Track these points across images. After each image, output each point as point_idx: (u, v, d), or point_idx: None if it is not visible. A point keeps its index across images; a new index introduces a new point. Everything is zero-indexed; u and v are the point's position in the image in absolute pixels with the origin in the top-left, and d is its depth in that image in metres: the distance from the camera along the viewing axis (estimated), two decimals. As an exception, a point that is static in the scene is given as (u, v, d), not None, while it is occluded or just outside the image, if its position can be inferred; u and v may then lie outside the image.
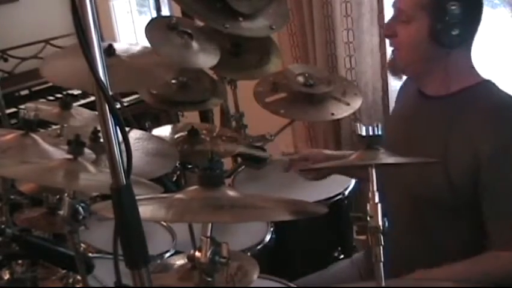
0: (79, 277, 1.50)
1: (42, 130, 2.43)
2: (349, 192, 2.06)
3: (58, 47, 3.49)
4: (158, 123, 2.80)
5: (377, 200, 1.06)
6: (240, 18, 2.00)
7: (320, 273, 1.90)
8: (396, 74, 1.71)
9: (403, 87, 1.81)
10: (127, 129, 1.13)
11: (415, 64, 1.60)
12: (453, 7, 1.48)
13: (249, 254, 1.74)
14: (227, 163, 2.26)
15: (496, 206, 1.46)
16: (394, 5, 1.61)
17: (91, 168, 1.26)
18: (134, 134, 1.76)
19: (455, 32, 1.49)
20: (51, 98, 3.33)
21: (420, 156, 1.41)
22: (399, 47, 1.61)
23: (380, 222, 1.05)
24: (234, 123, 2.28)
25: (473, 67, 1.59)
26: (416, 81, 1.66)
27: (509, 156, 1.44)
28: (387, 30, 1.64)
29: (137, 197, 0.89)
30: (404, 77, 1.75)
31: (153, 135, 1.93)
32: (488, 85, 1.57)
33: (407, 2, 1.56)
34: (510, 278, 1.42)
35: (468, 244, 1.54)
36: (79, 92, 3.28)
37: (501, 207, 1.46)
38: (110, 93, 0.86)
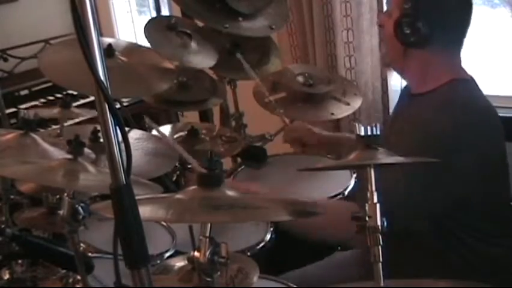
0: (78, 277, 1.50)
1: (42, 130, 2.43)
2: (349, 192, 2.06)
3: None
4: (158, 123, 2.80)
5: (375, 200, 1.06)
6: (240, 18, 2.01)
7: (320, 263, 1.91)
8: (386, 65, 1.75)
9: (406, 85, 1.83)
10: (127, 129, 1.13)
11: (394, 59, 1.64)
12: (414, 8, 1.50)
13: (248, 254, 1.74)
14: (227, 163, 2.26)
15: None
16: None
17: (91, 168, 1.26)
18: (134, 134, 1.76)
19: (415, 32, 1.51)
20: (51, 98, 3.33)
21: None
22: (384, 39, 1.66)
23: (379, 222, 1.05)
24: (233, 123, 2.28)
25: (451, 66, 1.59)
26: (402, 77, 1.69)
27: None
28: (378, 20, 1.70)
29: (137, 197, 0.89)
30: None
31: (153, 135, 1.94)
32: (454, 85, 1.56)
33: None
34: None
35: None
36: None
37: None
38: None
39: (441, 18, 1.53)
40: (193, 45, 1.89)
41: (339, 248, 2.06)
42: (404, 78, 1.68)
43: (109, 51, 1.60)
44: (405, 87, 1.82)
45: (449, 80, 1.56)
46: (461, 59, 1.62)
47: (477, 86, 1.62)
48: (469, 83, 1.59)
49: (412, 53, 1.56)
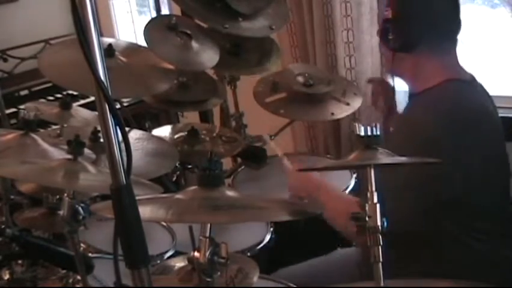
0: (78, 277, 1.50)
1: (42, 130, 2.43)
2: (349, 192, 2.06)
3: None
4: (158, 123, 2.80)
5: (375, 200, 1.06)
6: (240, 19, 2.00)
7: (320, 259, 1.91)
8: (386, 72, 1.77)
9: None
10: (127, 129, 1.13)
11: (387, 64, 1.66)
12: (399, 14, 1.54)
13: (248, 254, 1.74)
14: (227, 163, 2.26)
15: None
16: None
17: (91, 168, 1.26)
18: (134, 134, 1.76)
19: (398, 37, 1.53)
20: (51, 98, 3.33)
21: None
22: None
23: (379, 222, 1.05)
24: (233, 123, 2.28)
25: (444, 66, 1.59)
26: (401, 79, 1.70)
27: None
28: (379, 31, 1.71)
29: (137, 197, 0.89)
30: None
31: (153, 135, 1.94)
32: (447, 85, 1.56)
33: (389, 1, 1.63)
34: None
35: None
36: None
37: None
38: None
39: (425, 22, 1.55)
40: (194, 45, 1.89)
41: (339, 245, 2.06)
42: (403, 80, 1.69)
43: (109, 51, 1.61)
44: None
45: (443, 80, 1.56)
46: (457, 58, 1.62)
47: (476, 86, 1.62)
48: (465, 83, 1.59)
49: (401, 57, 1.58)
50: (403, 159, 1.19)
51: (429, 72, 1.57)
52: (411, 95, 1.66)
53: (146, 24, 1.86)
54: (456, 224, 1.52)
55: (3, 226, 1.55)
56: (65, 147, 1.29)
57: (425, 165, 1.35)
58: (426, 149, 1.42)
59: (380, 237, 1.05)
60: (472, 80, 1.62)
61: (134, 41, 3.90)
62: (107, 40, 1.72)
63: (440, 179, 1.44)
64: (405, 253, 1.48)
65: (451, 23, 1.58)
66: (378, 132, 1.13)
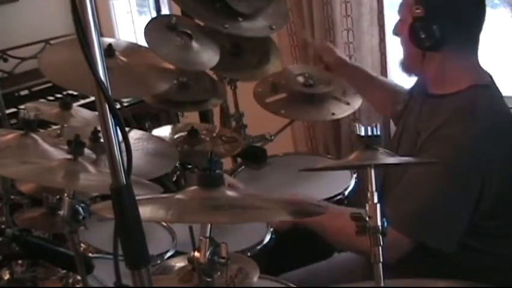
0: (79, 277, 1.50)
1: (42, 130, 2.43)
2: (349, 192, 2.06)
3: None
4: (159, 123, 2.80)
5: (376, 200, 1.06)
6: (240, 19, 2.00)
7: (320, 263, 1.91)
8: (405, 71, 1.76)
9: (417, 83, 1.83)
10: (127, 129, 1.13)
11: (412, 64, 1.64)
12: (427, 12, 1.53)
13: (248, 254, 1.74)
14: (227, 163, 2.26)
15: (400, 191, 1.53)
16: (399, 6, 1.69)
17: (91, 168, 1.26)
18: (134, 134, 1.76)
19: (430, 36, 1.52)
20: (51, 98, 3.33)
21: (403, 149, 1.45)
22: (401, 45, 1.67)
23: (379, 223, 1.05)
24: (234, 123, 2.28)
25: (470, 69, 1.59)
26: (420, 79, 1.69)
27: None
28: (393, 29, 1.71)
29: (137, 197, 0.89)
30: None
31: (153, 135, 1.94)
32: (474, 91, 1.56)
33: (401, 4, 1.64)
34: None
35: None
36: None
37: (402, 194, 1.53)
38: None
39: (454, 20, 1.54)
40: (194, 45, 1.89)
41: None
42: (423, 80, 1.68)
43: (109, 52, 1.60)
44: (416, 85, 1.81)
45: (469, 85, 1.56)
46: (478, 59, 1.62)
47: (497, 89, 1.62)
48: (489, 88, 1.59)
49: (430, 56, 1.57)
50: (405, 159, 1.19)
51: (456, 74, 1.57)
52: (430, 95, 1.65)
53: (146, 24, 1.86)
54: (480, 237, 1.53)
55: (3, 226, 1.55)
56: (65, 147, 1.29)
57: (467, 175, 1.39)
58: (468, 162, 1.45)
59: (380, 237, 1.05)
60: (492, 82, 1.62)
61: (134, 41, 3.92)
62: (107, 40, 1.72)
63: (480, 188, 1.47)
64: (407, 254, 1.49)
65: (475, 24, 1.58)
66: (379, 132, 1.13)
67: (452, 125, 1.51)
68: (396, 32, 1.69)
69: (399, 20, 1.67)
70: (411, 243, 1.49)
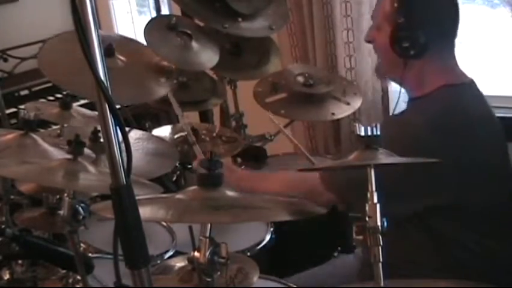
0: (78, 277, 1.50)
1: (42, 130, 2.43)
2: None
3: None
4: (159, 123, 2.80)
5: (375, 200, 1.06)
6: (240, 19, 2.01)
7: (320, 267, 1.91)
8: (380, 77, 1.77)
9: None
10: (127, 129, 1.13)
11: (392, 71, 1.64)
12: (408, 21, 1.52)
13: (248, 254, 1.74)
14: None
15: None
16: (372, 13, 1.72)
17: (91, 168, 1.26)
18: (134, 134, 1.76)
19: (413, 44, 1.52)
20: (51, 98, 3.33)
21: None
22: (376, 52, 1.68)
23: (379, 223, 1.05)
24: (234, 123, 2.28)
25: (445, 70, 1.59)
26: (399, 85, 1.69)
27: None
28: (366, 36, 1.72)
29: (137, 197, 0.89)
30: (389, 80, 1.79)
31: (153, 135, 1.93)
32: (444, 90, 1.56)
33: (376, 11, 1.66)
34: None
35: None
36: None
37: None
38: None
39: (434, 27, 1.54)
40: (194, 45, 1.89)
41: (339, 246, 2.06)
42: (403, 87, 1.68)
43: (109, 51, 1.60)
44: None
45: (442, 85, 1.56)
46: (456, 60, 1.62)
47: (474, 89, 1.62)
48: (462, 87, 1.58)
49: (411, 64, 1.57)
50: (403, 159, 1.19)
51: (434, 76, 1.57)
52: (410, 99, 1.66)
53: (146, 24, 1.86)
54: (456, 225, 1.52)
55: (3, 226, 1.55)
56: (65, 147, 1.29)
57: (419, 167, 1.36)
58: (415, 149, 1.41)
59: (380, 237, 1.05)
60: (470, 83, 1.62)
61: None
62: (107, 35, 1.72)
63: (433, 181, 1.45)
64: (403, 253, 1.48)
65: (453, 26, 1.58)
66: (378, 132, 1.13)
67: (408, 112, 1.56)
68: (369, 39, 1.69)
69: (374, 27, 1.66)
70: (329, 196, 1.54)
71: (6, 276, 1.65)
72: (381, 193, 1.07)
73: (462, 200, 1.48)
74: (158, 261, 1.63)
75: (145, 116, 2.93)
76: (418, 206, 1.49)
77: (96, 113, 0.87)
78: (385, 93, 2.63)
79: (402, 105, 1.71)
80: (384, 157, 1.13)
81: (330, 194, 1.56)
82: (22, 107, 2.14)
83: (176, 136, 2.10)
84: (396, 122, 1.63)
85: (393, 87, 2.56)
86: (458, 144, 1.48)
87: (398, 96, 1.74)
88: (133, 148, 0.88)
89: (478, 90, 1.63)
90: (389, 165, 1.18)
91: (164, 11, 3.33)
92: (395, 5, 1.54)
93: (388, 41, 1.55)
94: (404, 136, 1.49)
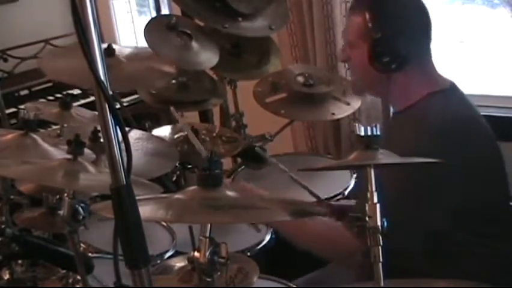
0: (78, 277, 1.50)
1: (42, 130, 2.43)
2: (349, 192, 2.06)
3: (58, 47, 3.49)
4: (159, 123, 2.80)
5: (375, 200, 1.06)
6: (240, 19, 2.01)
7: (319, 271, 1.91)
8: (358, 93, 1.76)
9: None
10: (127, 129, 1.13)
11: (371, 86, 1.64)
12: (385, 35, 1.51)
13: (248, 254, 1.74)
14: (227, 163, 2.26)
15: None
16: (343, 32, 1.70)
17: (91, 168, 1.26)
18: (134, 134, 1.76)
19: (392, 58, 1.51)
20: (51, 98, 3.33)
21: None
22: (353, 70, 1.67)
23: (379, 223, 1.05)
24: (233, 123, 2.28)
25: (427, 78, 1.59)
26: (384, 99, 1.69)
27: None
28: (342, 57, 1.72)
29: (137, 197, 0.89)
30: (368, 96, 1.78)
31: (153, 135, 1.94)
32: (429, 99, 1.56)
33: (350, 30, 1.62)
34: None
35: None
36: (79, 92, 3.28)
37: None
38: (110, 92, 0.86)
39: (410, 36, 1.54)
40: (194, 45, 1.89)
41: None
42: (387, 101, 1.68)
43: (108, 52, 1.61)
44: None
45: (426, 94, 1.56)
46: (435, 66, 1.61)
47: (456, 93, 1.62)
48: (445, 93, 1.58)
49: (395, 78, 1.56)
50: (404, 159, 1.19)
51: (417, 86, 1.57)
52: (394, 113, 1.66)
53: (146, 24, 1.86)
54: (455, 228, 1.52)
55: (3, 226, 1.55)
56: (65, 147, 1.29)
57: (427, 174, 1.36)
58: (423, 165, 1.42)
59: (380, 237, 1.05)
60: (452, 86, 1.62)
61: (134, 41, 3.92)
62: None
63: (441, 188, 1.45)
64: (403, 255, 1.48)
65: (427, 33, 1.58)
66: (378, 132, 1.13)
67: (406, 133, 1.53)
68: (346, 59, 1.68)
69: (347, 46, 1.65)
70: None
71: (6, 276, 1.65)
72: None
73: (465, 202, 1.49)
74: (158, 261, 1.63)
75: (145, 116, 2.93)
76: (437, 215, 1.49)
77: (96, 113, 0.87)
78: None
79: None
80: (384, 157, 1.13)
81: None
82: (22, 107, 2.14)
83: (176, 136, 2.10)
84: (394, 142, 1.54)
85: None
86: (457, 148, 1.48)
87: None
88: (133, 148, 0.88)
89: (459, 91, 1.63)
90: (389, 165, 1.18)
91: (164, 11, 3.33)
92: (369, 21, 1.53)
93: (366, 58, 1.54)
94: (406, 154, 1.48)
